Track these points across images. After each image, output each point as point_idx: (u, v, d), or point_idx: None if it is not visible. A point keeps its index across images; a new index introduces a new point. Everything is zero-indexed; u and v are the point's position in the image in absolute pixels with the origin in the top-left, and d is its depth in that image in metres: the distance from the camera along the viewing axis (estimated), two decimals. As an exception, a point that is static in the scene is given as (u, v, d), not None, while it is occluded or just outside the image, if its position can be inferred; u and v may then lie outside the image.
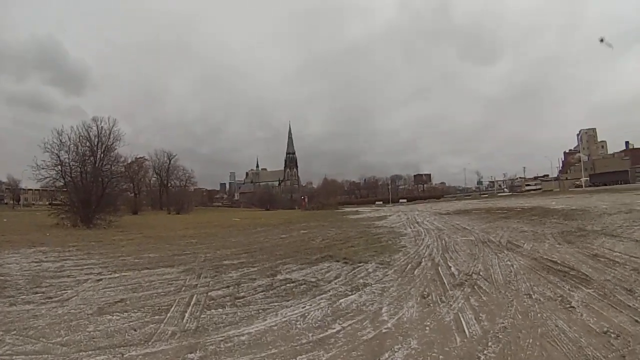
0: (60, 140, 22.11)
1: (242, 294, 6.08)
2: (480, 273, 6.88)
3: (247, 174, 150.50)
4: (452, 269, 7.48)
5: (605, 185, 60.42)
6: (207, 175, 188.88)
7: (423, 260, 8.62)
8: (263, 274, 7.50)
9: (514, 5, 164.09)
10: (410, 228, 16.45)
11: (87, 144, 23.66)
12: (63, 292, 6.66)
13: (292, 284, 6.64)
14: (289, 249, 11.33)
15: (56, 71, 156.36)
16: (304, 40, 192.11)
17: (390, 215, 28.31)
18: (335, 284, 6.65)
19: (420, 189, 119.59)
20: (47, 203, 24.22)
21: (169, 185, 71.54)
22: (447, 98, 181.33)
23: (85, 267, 8.90)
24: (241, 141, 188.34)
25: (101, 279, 7.56)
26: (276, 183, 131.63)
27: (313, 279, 7.03)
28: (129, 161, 65.18)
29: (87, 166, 22.98)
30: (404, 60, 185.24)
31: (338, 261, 8.80)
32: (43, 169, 21.68)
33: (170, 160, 73.97)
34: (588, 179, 75.72)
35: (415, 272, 7.42)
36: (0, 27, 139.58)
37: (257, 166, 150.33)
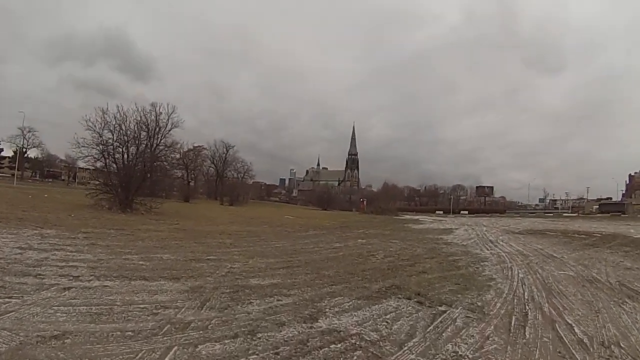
0: (105, 120, 21.43)
1: (253, 358, 3.57)
2: (621, 344, 4.47)
3: (307, 171, 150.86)
4: (576, 330, 4.88)
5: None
6: (267, 170, 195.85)
7: (528, 308, 5.80)
8: (298, 314, 4.91)
9: (579, 16, 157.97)
10: (487, 249, 13.66)
11: (133, 125, 22.89)
12: (5, 302, 4.66)
13: (338, 345, 3.97)
14: (341, 267, 8.71)
15: (123, 60, 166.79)
16: (368, 48, 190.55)
17: (456, 229, 25.59)
18: (410, 351, 3.93)
19: (482, 202, 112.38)
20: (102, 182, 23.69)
21: (225, 176, 71.92)
22: (510, 110, 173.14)
23: (70, 264, 7.04)
24: (303, 139, 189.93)
25: (70, 288, 5.50)
26: (335, 183, 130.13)
27: (374, 335, 4.32)
28: (186, 149, 67.00)
29: (130, 147, 22.19)
30: (467, 70, 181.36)
31: (409, 298, 6.02)
32: (83, 147, 21.07)
33: (227, 151, 74.45)
34: (598, 207, 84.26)
35: (527, 333, 4.64)
36: (71, 18, 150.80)
37: (318, 165, 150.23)
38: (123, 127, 21.77)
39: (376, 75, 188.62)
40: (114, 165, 22.00)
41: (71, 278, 6.06)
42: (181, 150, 64.86)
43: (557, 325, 5.00)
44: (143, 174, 21.92)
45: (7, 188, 34.15)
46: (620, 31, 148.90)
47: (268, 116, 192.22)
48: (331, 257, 10.23)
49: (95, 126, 21.07)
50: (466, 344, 4.22)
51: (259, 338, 4.02)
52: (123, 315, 4.55)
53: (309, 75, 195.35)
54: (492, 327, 4.83)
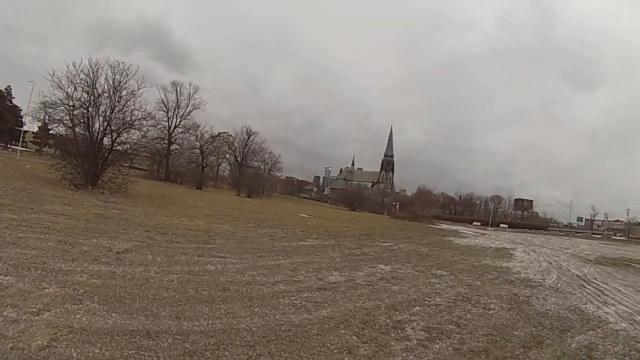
0: (74, 75, 17.56)
1: None
2: None
3: (341, 170, 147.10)
4: None
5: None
6: (302, 167, 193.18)
7: None
8: None
9: (619, 30, 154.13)
10: (600, 302, 8.47)
11: (106, 83, 18.73)
12: None
13: None
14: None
15: (160, 49, 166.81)
16: (405, 50, 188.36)
17: (512, 250, 20.13)
18: None
19: (519, 215, 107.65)
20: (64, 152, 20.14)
21: (248, 165, 67.28)
22: (546, 124, 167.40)
23: None
24: (338, 138, 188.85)
25: None
26: (369, 184, 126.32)
27: None
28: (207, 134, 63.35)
29: (101, 109, 18.11)
30: (503, 80, 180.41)
31: None
32: (49, 107, 18.03)
33: (249, 137, 70.00)
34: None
35: None
36: (108, 5, 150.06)
37: (353, 164, 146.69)
38: (89, 82, 17.65)
39: (413, 79, 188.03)
40: (86, 134, 17.99)
41: None
42: (198, 134, 61.79)
43: None
44: (111, 145, 17.89)
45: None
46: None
47: (303, 112, 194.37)
48: (293, 330, 4.55)
49: (60, 82, 17.20)
50: None
51: None
52: None
53: (345, 74, 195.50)
54: None
